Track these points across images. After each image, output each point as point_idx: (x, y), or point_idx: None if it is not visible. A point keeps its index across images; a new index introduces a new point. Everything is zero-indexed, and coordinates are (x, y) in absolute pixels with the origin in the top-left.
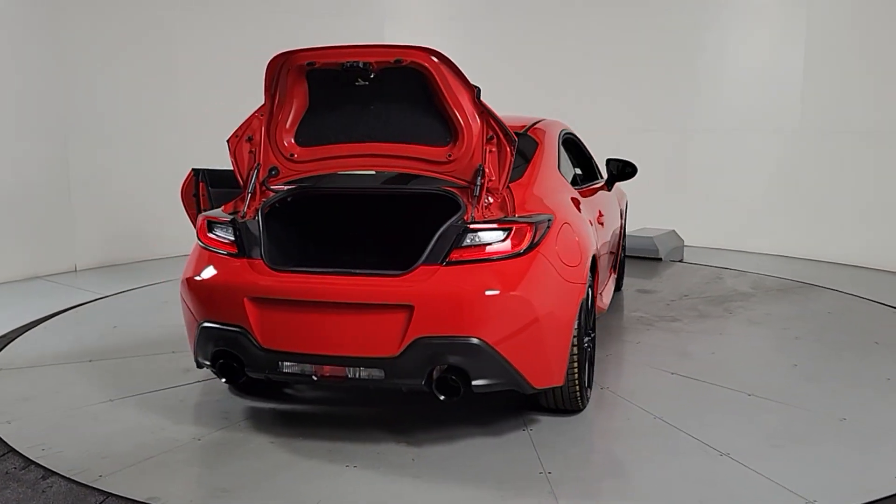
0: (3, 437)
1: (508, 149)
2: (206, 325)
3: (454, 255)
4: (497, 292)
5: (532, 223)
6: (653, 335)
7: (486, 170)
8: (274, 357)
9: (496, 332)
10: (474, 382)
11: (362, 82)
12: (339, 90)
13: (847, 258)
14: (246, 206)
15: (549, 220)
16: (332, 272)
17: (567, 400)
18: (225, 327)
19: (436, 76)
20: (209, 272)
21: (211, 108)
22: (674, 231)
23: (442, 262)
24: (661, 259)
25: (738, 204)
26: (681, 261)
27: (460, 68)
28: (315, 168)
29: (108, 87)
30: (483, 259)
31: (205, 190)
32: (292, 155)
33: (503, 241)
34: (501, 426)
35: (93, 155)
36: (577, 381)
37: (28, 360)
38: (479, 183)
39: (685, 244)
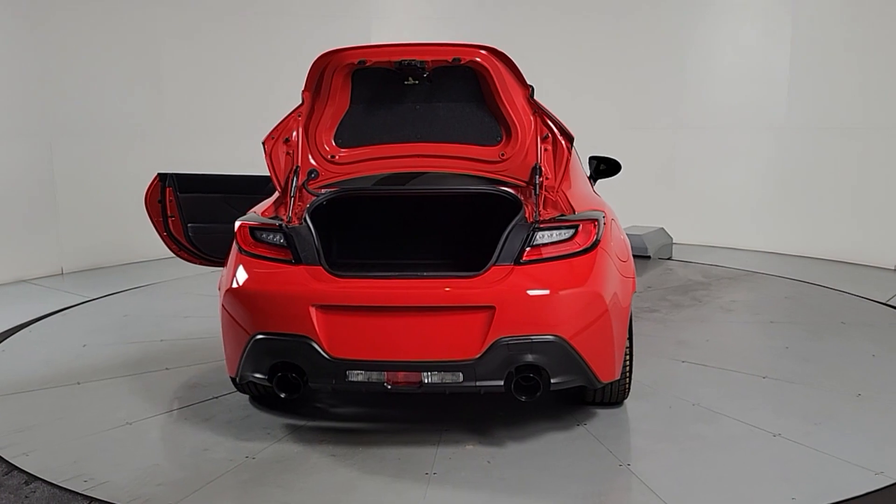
0: (31, 472)
1: (566, 147)
2: (262, 336)
3: (527, 255)
4: (573, 289)
5: (594, 220)
6: (642, 326)
7: (543, 168)
8: (342, 366)
9: (572, 329)
10: (553, 380)
11: (412, 81)
12: (386, 89)
13: (837, 254)
14: (290, 210)
15: (604, 217)
16: (401, 276)
17: (616, 392)
18: (287, 338)
19: (493, 75)
20: (263, 281)
21: (196, 109)
22: (662, 229)
23: (516, 262)
24: (649, 257)
25: (727, 201)
26: (669, 258)
27: (518, 67)
28: (358, 170)
29: (94, 88)
30: (555, 257)
31: (172, 195)
32: (333, 156)
33: (570, 238)
34: (556, 423)
35: (78, 157)
36: (627, 373)
37: (10, 384)
38: (537, 181)
39: (674, 242)
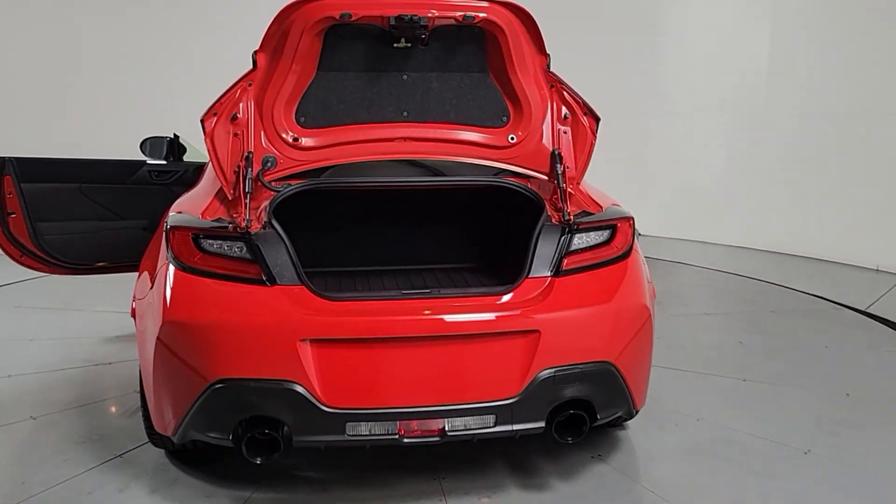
0: None
1: (590, 130)
2: (225, 384)
3: (566, 263)
4: (622, 303)
5: (629, 218)
6: None
7: (563, 155)
8: (341, 418)
9: (617, 350)
10: (598, 415)
11: (403, 44)
12: (366, 53)
13: (819, 252)
14: (246, 211)
15: None
16: (412, 295)
17: None
18: (265, 385)
19: (508, 38)
20: (228, 310)
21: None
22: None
23: (555, 272)
24: None
25: (700, 192)
26: None
27: (540, 30)
28: (327, 156)
29: None
30: (595, 264)
31: (12, 186)
32: (295, 139)
33: (608, 241)
34: (566, 457)
35: None
36: None
37: None
38: (559, 172)
39: (641, 235)
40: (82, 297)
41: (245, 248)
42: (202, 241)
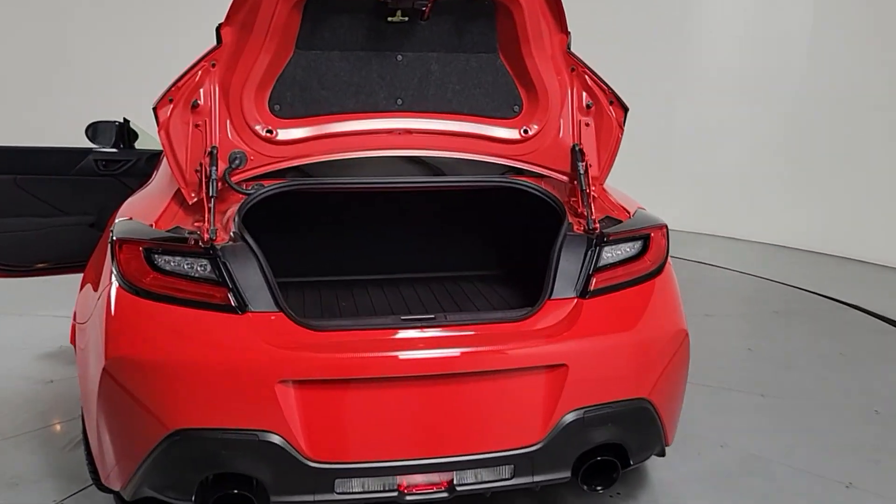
0: None
1: (616, 122)
2: (186, 436)
3: (596, 282)
4: (662, 329)
5: (662, 226)
6: None
7: (584, 151)
8: (329, 475)
9: (651, 383)
10: (632, 461)
11: (399, 18)
12: (354, 29)
13: (861, 253)
14: (211, 219)
15: None
16: (412, 324)
17: None
18: (236, 436)
19: (525, 13)
20: (188, 344)
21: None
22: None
23: (582, 293)
24: None
25: (730, 182)
26: None
27: (562, 4)
28: (307, 151)
29: None
30: (627, 283)
31: None
32: (269, 131)
33: (641, 255)
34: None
35: None
36: None
37: None
38: (581, 171)
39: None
40: (22, 298)
41: (209, 267)
42: (156, 257)
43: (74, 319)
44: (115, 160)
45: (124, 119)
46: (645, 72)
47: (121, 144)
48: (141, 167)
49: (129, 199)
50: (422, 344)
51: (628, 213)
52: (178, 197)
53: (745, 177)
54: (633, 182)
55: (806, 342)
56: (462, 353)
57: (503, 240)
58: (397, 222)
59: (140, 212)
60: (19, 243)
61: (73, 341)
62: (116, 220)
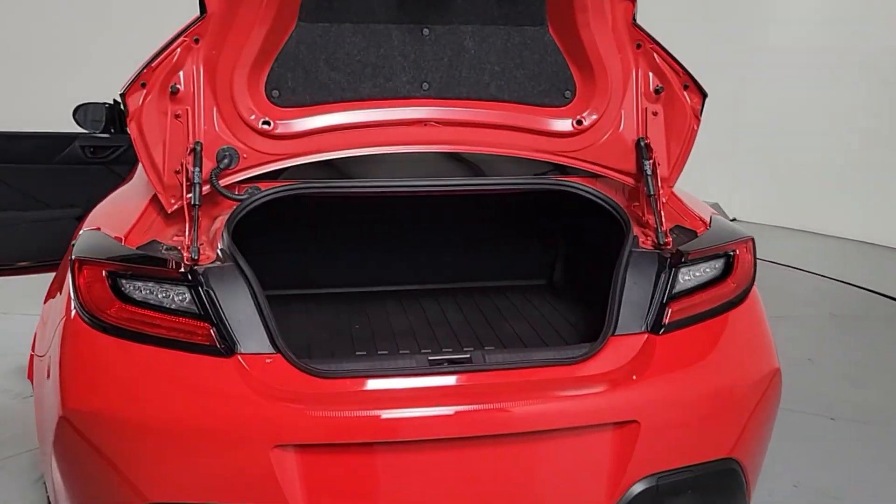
0: None
1: (691, 110)
2: None
3: (672, 313)
4: (751, 369)
5: (747, 240)
6: None
7: (653, 147)
8: None
9: (742, 437)
10: None
11: None
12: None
13: None
14: (193, 233)
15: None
16: (443, 368)
17: None
18: None
19: None
20: (158, 394)
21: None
22: (717, 205)
23: (654, 328)
24: None
25: (808, 168)
26: None
27: None
28: (312, 147)
29: None
30: (709, 313)
31: None
32: (266, 123)
33: (725, 277)
34: None
35: None
36: None
37: None
38: (647, 171)
39: (733, 220)
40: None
41: (188, 296)
42: (123, 282)
43: (33, 349)
44: (105, 146)
45: (115, 100)
46: (711, 45)
47: (112, 129)
48: (133, 154)
49: (102, 203)
50: (455, 396)
51: (703, 221)
52: (157, 201)
53: (821, 164)
54: (690, 165)
55: (872, 352)
56: (505, 409)
57: (543, 247)
58: (418, 227)
59: (110, 220)
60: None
61: (30, 376)
62: (81, 232)
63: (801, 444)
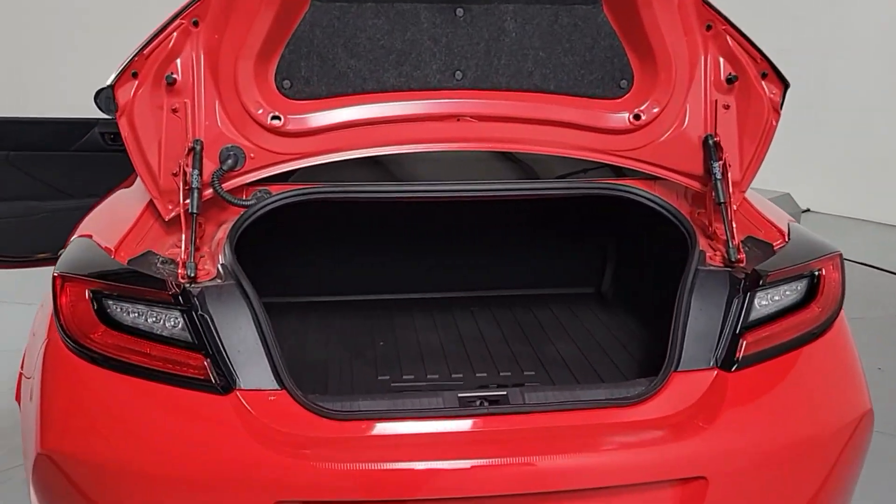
0: None
1: (769, 103)
2: None
3: (747, 345)
4: (846, 411)
5: (835, 256)
6: None
7: (723, 146)
8: None
9: (825, 489)
10: None
11: None
12: None
13: None
14: (191, 246)
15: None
16: (474, 409)
17: None
18: None
19: None
20: (145, 437)
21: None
22: (788, 195)
23: (727, 363)
24: None
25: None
26: None
27: None
28: (330, 145)
29: None
30: (790, 344)
31: None
32: (277, 118)
33: (808, 300)
34: None
35: None
36: None
37: None
38: (717, 174)
39: (806, 210)
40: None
41: (181, 321)
42: (109, 303)
43: (21, 366)
44: None
45: None
46: (781, 20)
47: None
48: None
49: (98, 206)
50: (489, 445)
51: (779, 230)
52: (154, 207)
53: None
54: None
55: None
56: (547, 463)
57: (590, 252)
58: (451, 228)
59: (102, 227)
60: (15, 230)
61: (17, 398)
62: (72, 240)
63: (884, 473)
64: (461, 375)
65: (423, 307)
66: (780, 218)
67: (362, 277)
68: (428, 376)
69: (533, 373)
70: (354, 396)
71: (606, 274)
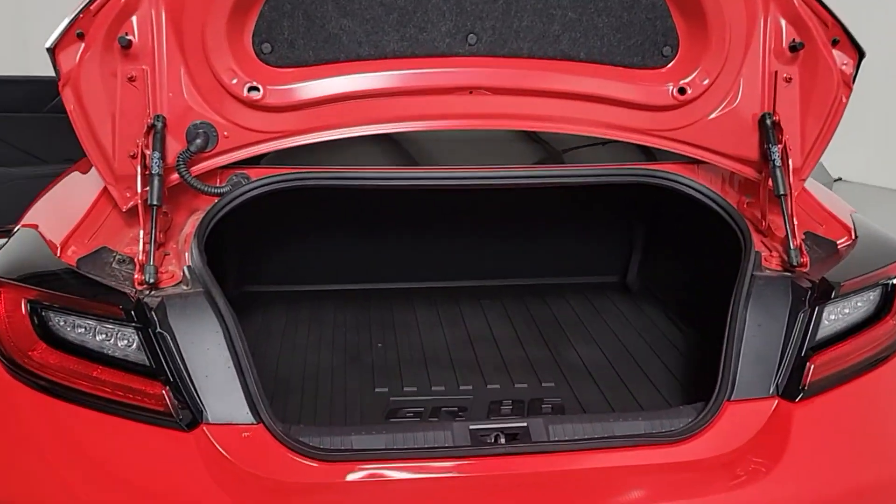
0: None
1: (838, 77)
2: None
3: (815, 369)
4: None
5: None
6: None
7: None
8: None
9: None
10: None
11: None
12: None
13: None
14: (150, 247)
15: None
16: (488, 447)
17: None
18: None
19: None
20: (92, 477)
21: None
22: (819, 163)
23: (790, 391)
24: None
25: None
26: None
27: None
28: (316, 123)
29: None
30: (862, 365)
31: None
32: (254, 89)
33: (882, 312)
34: None
35: None
36: None
37: None
38: (777, 160)
39: (838, 179)
40: None
41: (136, 340)
42: (50, 315)
43: None
44: None
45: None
46: None
47: None
48: None
49: (51, 191)
50: (509, 495)
51: (842, 225)
52: (110, 197)
53: None
54: None
55: None
56: None
57: (615, 238)
58: (456, 212)
59: (51, 216)
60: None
61: None
62: (15, 231)
63: None
64: (470, 388)
65: (426, 298)
66: (842, 209)
67: (359, 264)
68: (433, 388)
69: (552, 384)
70: (347, 430)
71: (632, 263)
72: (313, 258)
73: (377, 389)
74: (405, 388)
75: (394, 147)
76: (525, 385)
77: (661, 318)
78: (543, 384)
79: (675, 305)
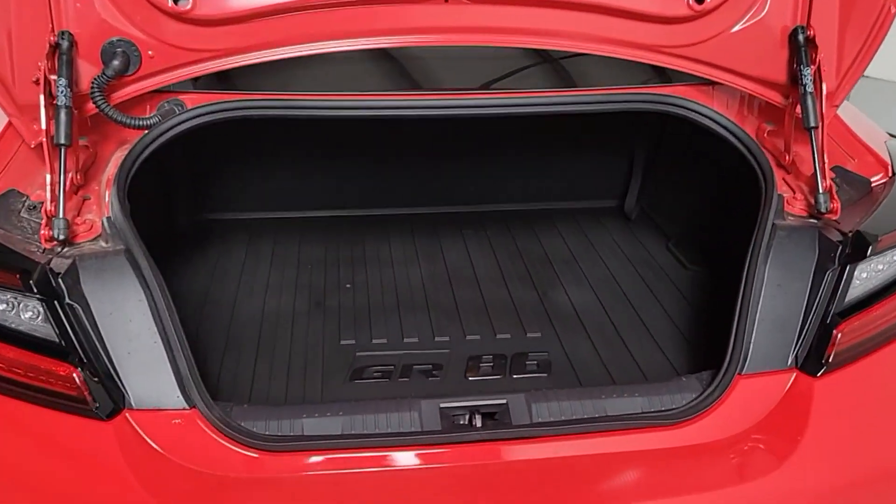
0: None
1: None
2: None
3: (842, 337)
4: None
5: None
6: None
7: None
8: None
9: None
10: None
11: None
12: None
13: None
14: (59, 193)
15: None
16: (465, 434)
17: None
18: None
19: None
20: None
21: None
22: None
23: (811, 364)
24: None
25: None
26: None
27: None
28: (257, 39)
29: None
30: (892, 333)
31: None
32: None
33: None
34: None
35: None
36: None
37: None
38: (808, 84)
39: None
40: None
41: (41, 312)
42: None
43: None
44: None
45: None
46: None
47: None
48: None
49: None
50: (483, 493)
51: (877, 158)
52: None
53: None
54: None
55: None
56: None
57: (612, 158)
58: (435, 133)
59: None
60: None
61: None
62: None
63: None
64: (447, 339)
65: (402, 227)
66: (876, 137)
67: (328, 188)
68: (405, 340)
69: (538, 334)
70: (297, 411)
71: (631, 187)
72: (277, 182)
73: (342, 342)
74: (374, 341)
75: (373, 63)
76: (508, 336)
77: (662, 253)
78: (529, 334)
79: (679, 238)
